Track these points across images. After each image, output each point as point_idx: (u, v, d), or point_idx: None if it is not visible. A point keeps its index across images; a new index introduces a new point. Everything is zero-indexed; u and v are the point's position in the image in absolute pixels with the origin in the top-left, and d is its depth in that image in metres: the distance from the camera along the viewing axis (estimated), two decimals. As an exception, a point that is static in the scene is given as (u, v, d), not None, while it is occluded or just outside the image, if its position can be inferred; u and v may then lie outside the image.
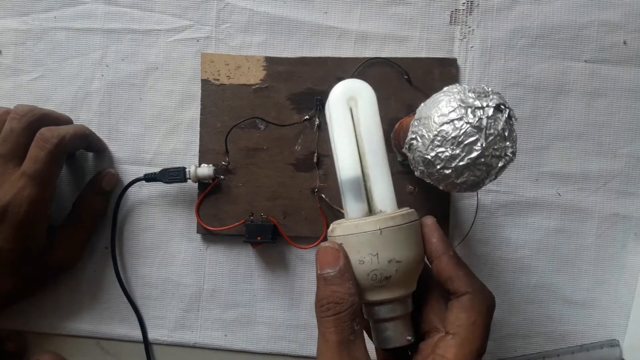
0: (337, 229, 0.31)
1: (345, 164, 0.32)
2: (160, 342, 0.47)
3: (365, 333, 0.31)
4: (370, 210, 0.32)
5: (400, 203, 0.44)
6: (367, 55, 0.45)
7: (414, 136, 0.32)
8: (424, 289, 0.32)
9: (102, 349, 0.47)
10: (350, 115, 0.33)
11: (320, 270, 0.29)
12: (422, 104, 0.33)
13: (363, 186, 0.32)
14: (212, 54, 0.46)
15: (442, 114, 0.30)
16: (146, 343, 0.46)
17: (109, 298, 0.47)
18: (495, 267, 0.45)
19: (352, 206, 0.32)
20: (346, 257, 0.29)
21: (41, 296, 0.46)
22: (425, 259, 0.32)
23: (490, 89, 0.31)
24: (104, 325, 0.47)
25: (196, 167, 0.44)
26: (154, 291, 0.47)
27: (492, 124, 0.30)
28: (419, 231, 0.31)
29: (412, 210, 0.32)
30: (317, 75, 0.45)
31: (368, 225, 0.30)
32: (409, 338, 0.30)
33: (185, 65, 0.46)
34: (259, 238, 0.44)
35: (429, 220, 0.31)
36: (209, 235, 0.46)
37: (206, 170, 0.44)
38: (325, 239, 0.44)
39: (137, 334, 0.46)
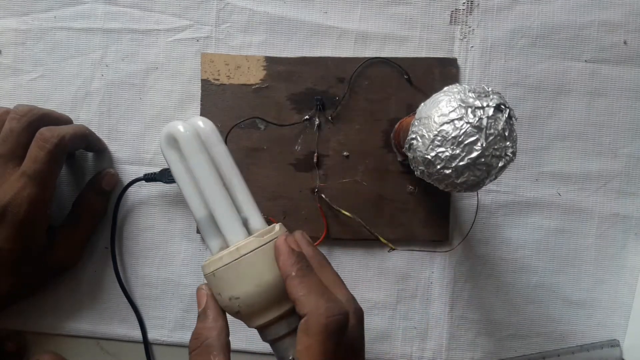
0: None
1: (190, 205, 0.32)
2: (160, 342, 0.47)
3: None
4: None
5: (401, 203, 0.44)
6: (367, 55, 0.45)
7: (414, 136, 0.32)
8: None
9: (102, 349, 0.47)
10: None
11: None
12: (422, 104, 0.33)
13: (213, 223, 0.32)
14: (212, 53, 0.46)
15: (443, 114, 0.30)
16: (146, 343, 0.46)
17: (108, 298, 0.47)
18: (496, 267, 0.45)
19: (209, 244, 0.32)
20: (208, 296, 0.31)
21: (41, 296, 0.46)
22: None
23: (490, 89, 0.31)
24: (104, 325, 0.47)
25: (196, 167, 0.44)
26: (154, 291, 0.47)
27: (493, 123, 0.30)
28: (266, 256, 0.30)
29: (257, 237, 0.31)
30: (317, 75, 0.45)
31: (206, 268, 0.31)
32: (291, 357, 0.30)
33: (185, 65, 0.46)
34: (258, 238, 0.44)
35: (278, 241, 0.30)
36: (209, 235, 0.46)
37: (206, 170, 0.44)
38: (325, 239, 0.44)
39: (137, 334, 0.46)
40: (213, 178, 0.31)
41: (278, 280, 0.30)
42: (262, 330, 0.31)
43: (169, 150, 0.32)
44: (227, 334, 0.30)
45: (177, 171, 0.32)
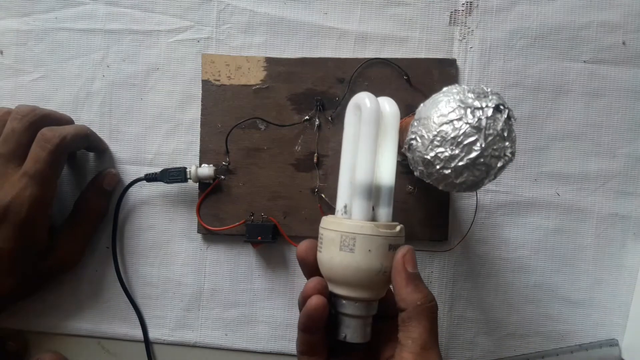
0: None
1: (342, 164, 0.36)
2: (161, 342, 0.47)
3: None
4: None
5: (400, 203, 0.44)
6: (367, 56, 0.45)
7: (413, 136, 0.32)
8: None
9: (103, 348, 0.47)
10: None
11: (413, 268, 0.33)
12: (422, 105, 0.33)
13: (348, 189, 0.35)
14: (212, 54, 0.46)
15: (442, 115, 0.31)
16: (147, 342, 0.47)
17: (109, 297, 0.47)
18: (494, 267, 0.45)
19: (338, 203, 0.36)
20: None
21: (42, 296, 0.46)
22: None
23: (489, 90, 0.32)
24: (105, 325, 0.47)
25: (197, 167, 0.44)
26: (155, 291, 0.47)
27: (492, 124, 0.30)
28: (373, 246, 0.33)
29: (377, 227, 0.33)
30: (317, 75, 0.45)
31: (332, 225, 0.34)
32: (344, 335, 0.34)
33: (185, 66, 0.46)
34: (259, 238, 0.44)
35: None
36: (209, 235, 0.46)
37: (207, 170, 0.44)
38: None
39: (138, 333, 0.47)
40: (371, 153, 0.34)
41: (373, 270, 0.33)
42: (337, 299, 0.34)
43: (351, 114, 0.36)
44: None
45: (348, 133, 0.36)
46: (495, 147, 0.30)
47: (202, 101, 0.46)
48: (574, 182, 0.45)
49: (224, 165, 0.45)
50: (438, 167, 0.31)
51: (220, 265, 0.46)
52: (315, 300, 0.32)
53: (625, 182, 0.45)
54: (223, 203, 0.45)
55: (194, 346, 0.47)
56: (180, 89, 0.47)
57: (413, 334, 0.31)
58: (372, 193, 0.34)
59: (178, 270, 0.47)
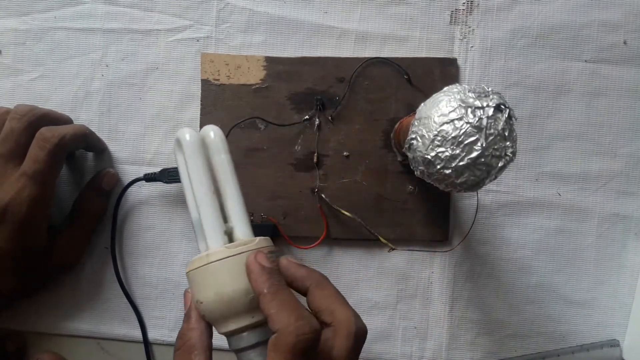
0: None
1: (188, 207, 0.34)
2: (160, 342, 0.47)
3: None
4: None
5: (400, 203, 0.44)
6: (367, 55, 0.45)
7: (414, 136, 0.32)
8: None
9: (102, 349, 0.47)
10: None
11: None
12: (422, 104, 0.33)
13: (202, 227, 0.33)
14: (212, 53, 0.46)
15: (442, 114, 0.30)
16: (146, 343, 0.46)
17: (108, 298, 0.47)
18: (496, 267, 0.45)
19: (198, 246, 0.33)
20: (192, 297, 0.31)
21: (41, 296, 0.46)
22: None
23: (490, 89, 0.31)
24: (104, 325, 0.47)
25: (196, 167, 0.44)
26: (154, 291, 0.47)
27: (492, 123, 0.30)
28: (233, 267, 0.30)
29: (228, 248, 0.31)
30: (317, 75, 0.45)
31: (186, 269, 0.32)
32: None
33: (185, 65, 0.46)
34: (258, 238, 0.44)
35: (248, 260, 0.30)
36: (209, 235, 0.46)
37: (206, 170, 0.44)
38: (325, 239, 0.44)
39: (137, 333, 0.46)
40: (203, 183, 0.32)
41: (241, 292, 0.30)
42: (227, 338, 0.32)
43: (177, 153, 0.34)
44: (209, 336, 0.31)
45: (182, 173, 0.34)
46: (496, 147, 0.30)
47: (201, 100, 0.46)
48: (575, 182, 0.45)
49: (223, 165, 0.45)
50: (439, 166, 0.31)
51: (220, 265, 0.46)
52: None
53: (626, 182, 0.45)
54: (222, 203, 0.45)
55: (193, 347, 0.47)
56: (180, 88, 0.46)
57: None
58: (216, 220, 0.32)
59: (177, 270, 0.47)
